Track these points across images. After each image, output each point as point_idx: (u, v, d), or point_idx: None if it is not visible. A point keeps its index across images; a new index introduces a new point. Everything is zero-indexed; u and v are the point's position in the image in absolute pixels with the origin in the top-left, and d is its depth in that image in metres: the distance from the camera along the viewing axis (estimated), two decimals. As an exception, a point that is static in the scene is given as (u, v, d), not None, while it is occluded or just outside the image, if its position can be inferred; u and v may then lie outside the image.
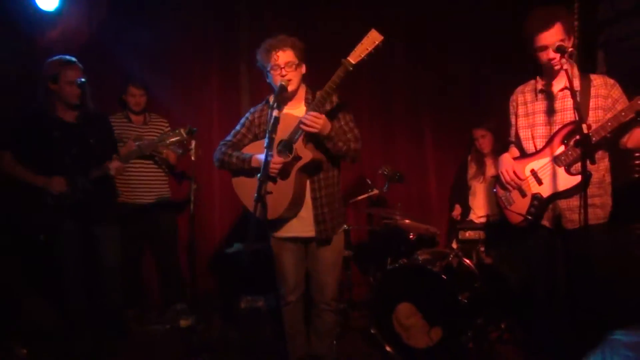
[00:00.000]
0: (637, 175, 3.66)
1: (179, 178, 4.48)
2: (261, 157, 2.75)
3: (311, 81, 2.92)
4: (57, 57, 3.28)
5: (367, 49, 2.46)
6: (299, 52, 2.75)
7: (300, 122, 2.57)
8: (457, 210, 4.53)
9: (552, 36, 2.45)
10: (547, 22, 2.46)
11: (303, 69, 2.82)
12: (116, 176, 3.36)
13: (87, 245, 3.35)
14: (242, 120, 2.98)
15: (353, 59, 2.48)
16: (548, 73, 2.65)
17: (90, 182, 3.23)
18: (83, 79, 3.23)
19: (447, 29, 4.83)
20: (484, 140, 4.39)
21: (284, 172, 2.72)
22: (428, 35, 4.87)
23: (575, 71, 2.57)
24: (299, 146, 2.67)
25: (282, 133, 2.69)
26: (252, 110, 2.99)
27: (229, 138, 2.98)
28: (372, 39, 2.46)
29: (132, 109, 4.20)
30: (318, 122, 2.54)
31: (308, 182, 2.79)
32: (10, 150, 3.29)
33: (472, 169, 4.52)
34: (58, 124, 3.28)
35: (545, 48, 2.49)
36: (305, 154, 2.66)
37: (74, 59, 3.30)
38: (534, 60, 2.62)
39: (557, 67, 2.51)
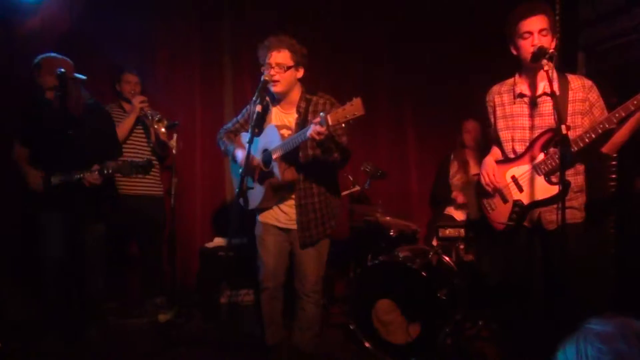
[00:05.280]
0: (613, 176, 3.72)
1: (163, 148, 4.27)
2: (240, 152, 2.86)
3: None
4: (40, 58, 3.23)
5: (346, 117, 2.36)
6: (296, 56, 2.76)
7: (308, 133, 2.50)
8: (460, 197, 4.41)
9: (537, 22, 2.48)
10: (533, 9, 2.50)
11: (298, 73, 2.82)
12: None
13: (72, 239, 3.31)
14: (243, 111, 3.08)
15: (331, 120, 2.39)
16: (527, 73, 2.65)
17: (77, 177, 3.19)
18: (84, 76, 3.23)
19: (430, 25, 4.84)
20: (472, 134, 4.37)
21: (261, 177, 2.83)
22: (410, 32, 4.88)
23: (554, 74, 2.55)
24: (275, 163, 2.73)
25: (268, 142, 2.77)
26: (252, 101, 3.01)
27: (229, 126, 3.11)
28: (354, 109, 2.35)
29: (127, 97, 4.06)
30: (321, 136, 2.46)
31: (294, 191, 2.85)
32: (19, 141, 3.37)
33: (454, 167, 4.54)
34: (61, 117, 3.20)
35: (529, 34, 2.49)
36: (278, 173, 2.74)
37: (43, 59, 3.22)
38: (515, 59, 2.64)
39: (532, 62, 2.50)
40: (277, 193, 2.87)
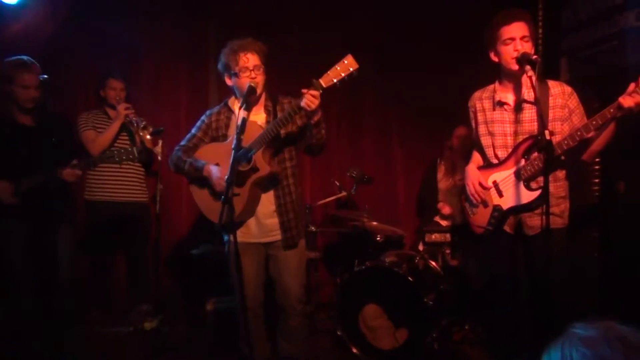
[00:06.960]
0: (596, 180, 3.76)
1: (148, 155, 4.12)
2: (213, 168, 2.75)
3: (280, 84, 2.92)
4: (13, 58, 3.16)
5: (340, 75, 2.39)
6: (263, 57, 2.74)
7: (302, 102, 2.46)
8: (446, 209, 4.41)
9: (518, 28, 2.49)
10: (514, 16, 2.52)
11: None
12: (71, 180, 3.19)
13: (38, 246, 3.25)
14: (198, 124, 2.94)
15: (324, 82, 2.41)
16: (508, 80, 2.65)
17: (42, 183, 3.10)
18: (45, 75, 3.14)
19: (416, 29, 4.87)
20: (462, 140, 4.35)
21: (239, 180, 2.67)
22: (396, 36, 4.90)
23: (535, 80, 2.57)
24: (258, 157, 2.65)
25: (243, 140, 2.66)
26: (208, 113, 2.95)
27: (184, 143, 2.94)
28: (348, 65, 2.38)
29: (112, 103, 3.98)
30: (315, 101, 2.44)
31: (272, 190, 2.79)
32: None
33: (441, 172, 4.55)
34: (11, 126, 3.17)
35: (511, 40, 2.49)
36: (263, 166, 2.65)
37: (30, 60, 3.17)
38: (495, 68, 2.66)
39: (516, 68, 2.50)
40: (263, 189, 2.77)
